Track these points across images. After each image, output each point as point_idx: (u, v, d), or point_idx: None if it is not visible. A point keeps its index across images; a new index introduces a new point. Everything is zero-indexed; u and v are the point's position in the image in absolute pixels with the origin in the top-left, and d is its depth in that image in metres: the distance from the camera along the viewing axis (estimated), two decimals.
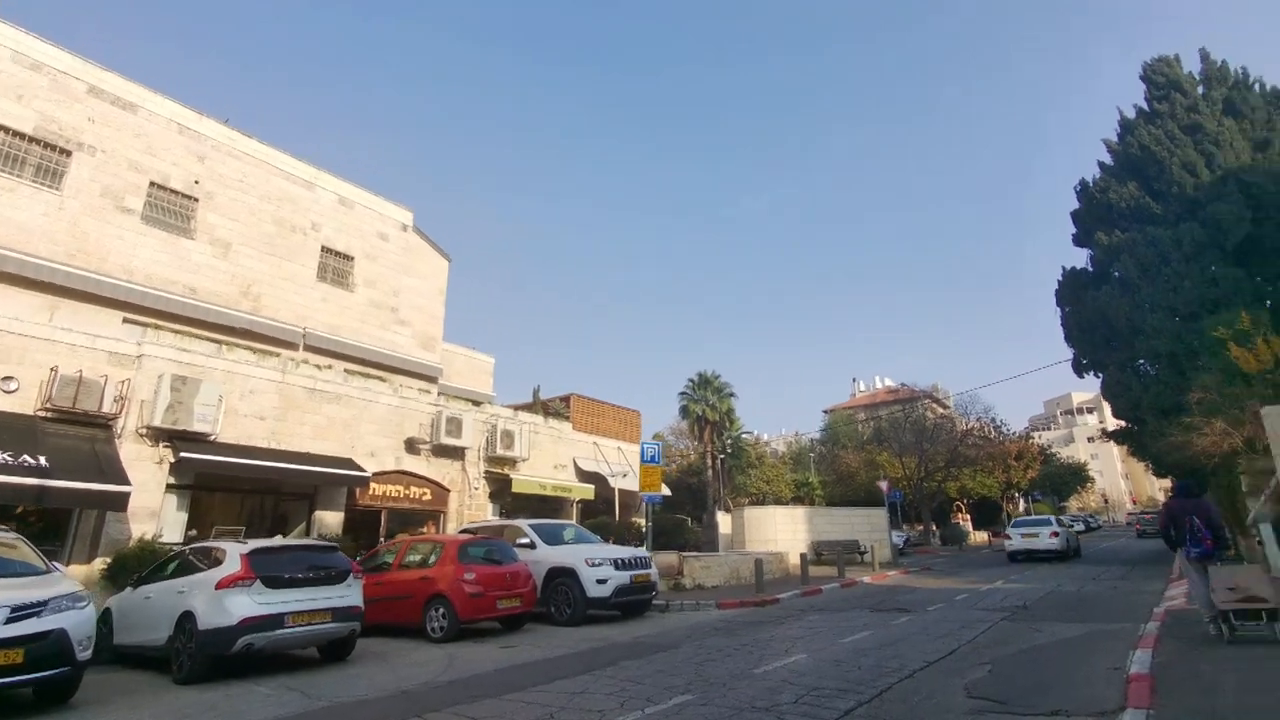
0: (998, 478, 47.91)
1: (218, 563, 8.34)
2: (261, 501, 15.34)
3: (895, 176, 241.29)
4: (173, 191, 15.94)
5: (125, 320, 14.36)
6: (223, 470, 13.49)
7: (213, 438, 13.66)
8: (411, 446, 17.76)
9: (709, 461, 45.61)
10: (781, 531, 25.25)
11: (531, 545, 12.98)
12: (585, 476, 22.52)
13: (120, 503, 11.32)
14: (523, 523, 13.95)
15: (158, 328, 14.28)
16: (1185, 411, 15.30)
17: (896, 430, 44.80)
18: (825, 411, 68.16)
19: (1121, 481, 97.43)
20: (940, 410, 58.69)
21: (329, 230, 19.09)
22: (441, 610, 10.52)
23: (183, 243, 15.89)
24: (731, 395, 47.19)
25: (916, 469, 42.09)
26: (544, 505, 21.82)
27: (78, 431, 12.01)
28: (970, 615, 11.32)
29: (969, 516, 51.65)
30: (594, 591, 11.93)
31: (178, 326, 14.96)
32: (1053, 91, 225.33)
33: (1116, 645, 7.76)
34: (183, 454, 12.78)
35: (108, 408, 12.34)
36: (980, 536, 48.82)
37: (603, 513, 22.20)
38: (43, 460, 10.76)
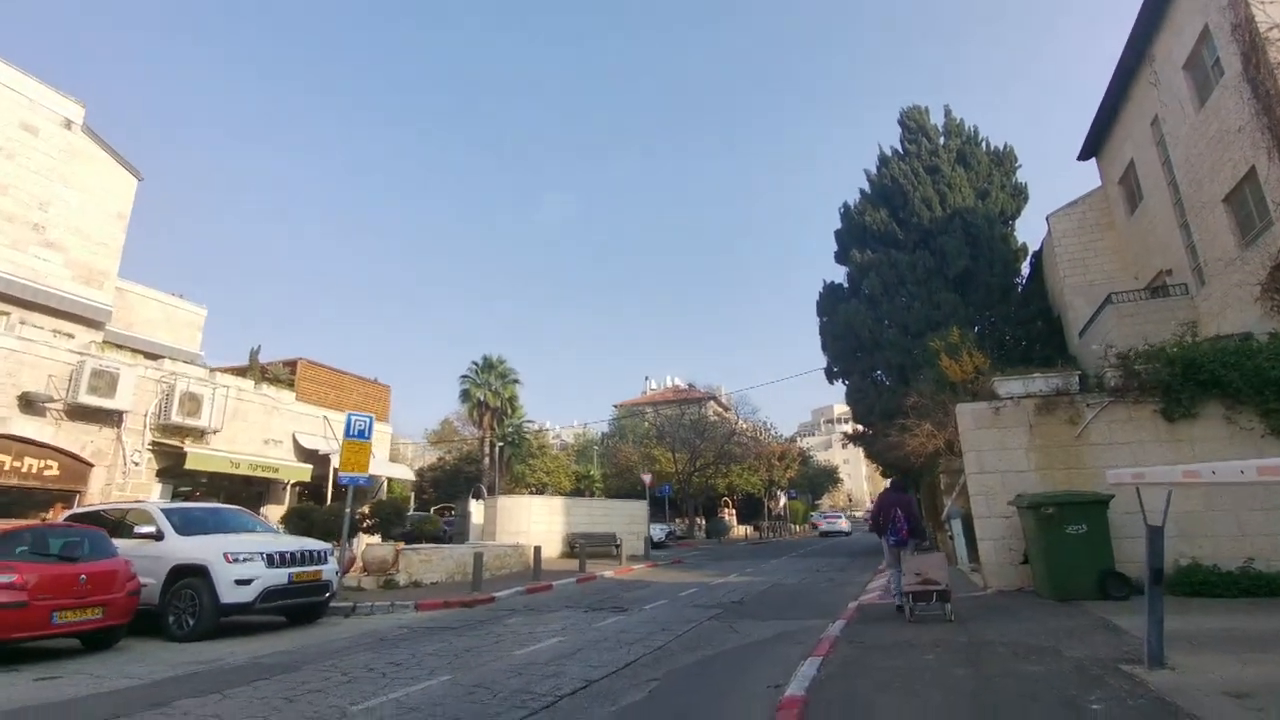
0: (762, 475, 51.19)
1: None
2: None
3: (687, 193, 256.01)
4: None
5: None
6: None
7: None
8: (30, 405, 13.29)
9: (486, 449, 43.22)
10: (537, 523, 23.73)
11: (158, 535, 9.86)
12: (306, 455, 19.06)
13: None
14: (152, 505, 10.68)
15: None
16: (904, 416, 16.24)
17: (674, 427, 45.84)
18: (615, 406, 68.72)
19: (865, 483, 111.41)
20: (722, 411, 61.82)
21: None
22: None
23: None
24: (516, 382, 45.22)
25: (687, 464, 43.28)
26: (247, 488, 18.06)
27: None
28: (682, 613, 10.45)
29: (734, 512, 54.73)
30: (230, 596, 9.20)
31: None
32: (828, 123, 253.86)
33: (794, 651, 6.99)
34: None
35: None
36: (742, 530, 51.84)
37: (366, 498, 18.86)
38: None
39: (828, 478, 74.54)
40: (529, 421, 48.80)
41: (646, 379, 78.62)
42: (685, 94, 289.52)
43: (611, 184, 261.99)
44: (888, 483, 11.49)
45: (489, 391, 43.43)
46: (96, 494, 14.26)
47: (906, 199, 23.94)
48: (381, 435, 21.90)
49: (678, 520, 44.91)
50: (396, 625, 10.07)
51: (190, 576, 9.34)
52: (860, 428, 27.44)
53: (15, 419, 13.06)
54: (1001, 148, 25.16)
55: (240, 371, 19.96)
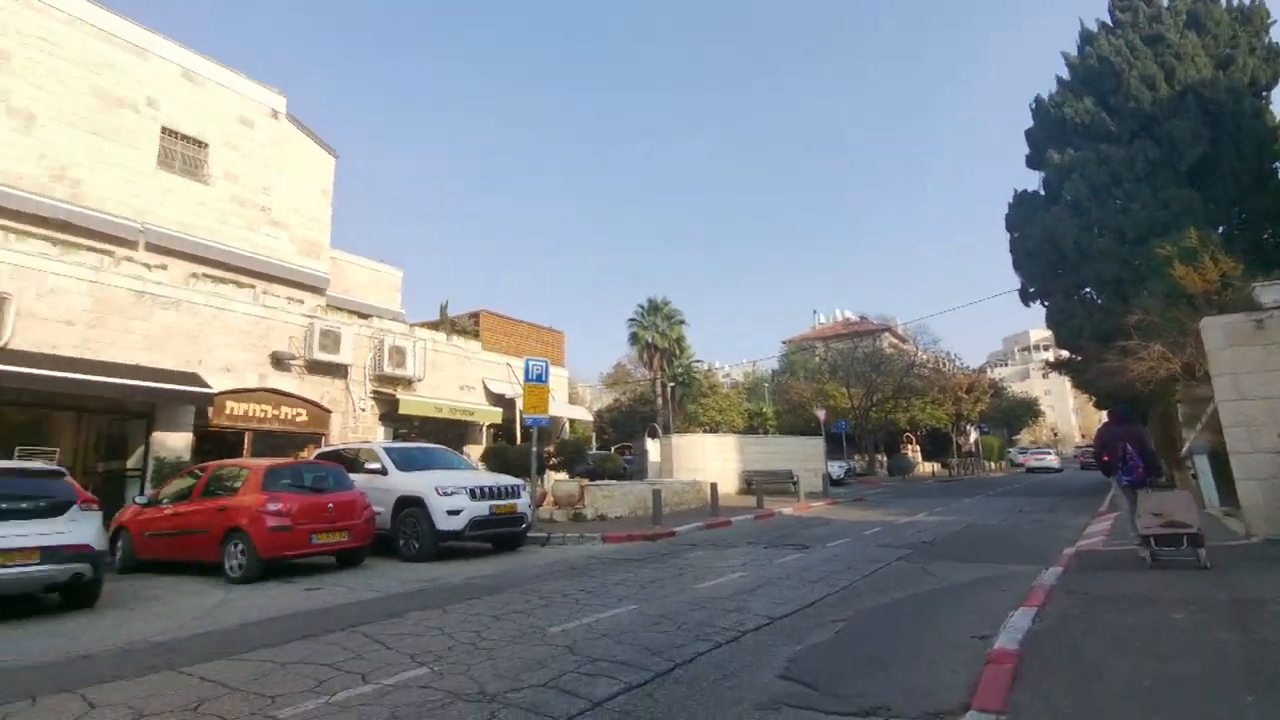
0: (948, 409, 47.61)
1: None
2: (83, 420, 13.30)
3: (851, 112, 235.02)
4: None
5: None
6: (16, 382, 11.34)
7: (3, 344, 11.45)
8: (279, 362, 15.69)
9: (658, 389, 44.45)
10: (712, 460, 24.07)
11: (383, 471, 11.30)
12: (495, 399, 20.79)
13: None
14: (376, 445, 12.22)
15: None
16: (1124, 337, 13.97)
17: (847, 361, 43.82)
18: (784, 342, 67.13)
19: (1072, 416, 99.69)
20: (899, 343, 58.01)
21: (172, 109, 16.26)
22: (240, 546, 8.83)
23: None
24: (682, 323, 45.68)
25: (863, 399, 41.33)
26: (450, 429, 20.15)
27: None
28: (867, 552, 10.03)
29: (919, 448, 51.67)
30: (444, 524, 10.35)
31: None
32: (1004, 9, 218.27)
33: (997, 599, 6.36)
34: None
35: None
36: (928, 468, 48.92)
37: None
38: None
39: (1026, 410, 67.52)
40: (697, 361, 49.33)
41: (815, 313, 75.76)
42: (844, 11, 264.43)
43: (777, 110, 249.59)
44: (1106, 415, 9.96)
45: (656, 333, 44.36)
46: (335, 436, 16.66)
47: (1119, 80, 19.90)
48: (558, 379, 23.23)
49: (856, 457, 43.39)
50: (585, 555, 10.74)
51: (412, 507, 10.62)
52: (1065, 354, 24.21)
53: (271, 374, 15.51)
54: (1248, 1, 19.96)
55: (433, 326, 22.04)
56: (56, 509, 6.91)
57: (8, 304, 11.57)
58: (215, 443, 14.56)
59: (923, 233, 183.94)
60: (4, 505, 6.59)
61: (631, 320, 44.76)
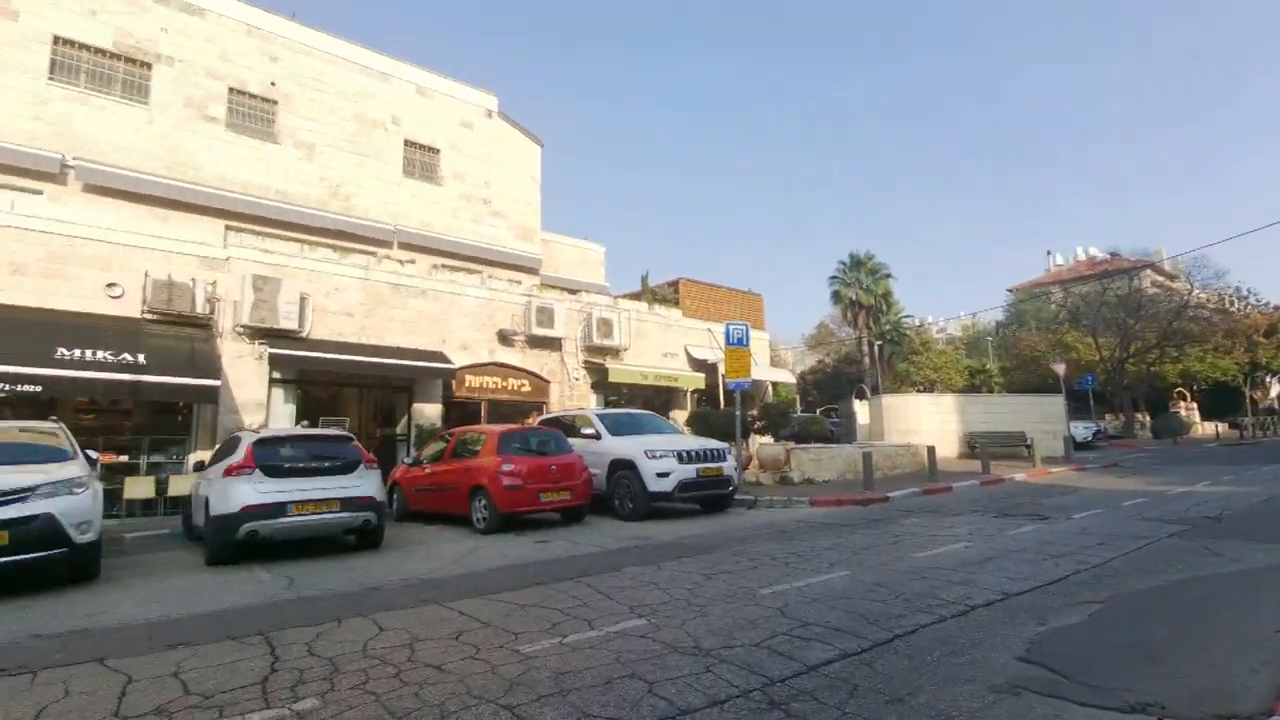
0: (1237, 358, 39.14)
1: (233, 452, 8.37)
2: (364, 394, 16.02)
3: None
4: (252, 96, 16.16)
5: (228, 228, 15.08)
6: (316, 365, 14.02)
7: (304, 334, 14.17)
8: (504, 338, 17.50)
9: (864, 349, 42.15)
10: (927, 421, 22.35)
11: (597, 436, 12.15)
12: (697, 365, 21.22)
13: (210, 395, 12.09)
14: (590, 412, 13.12)
15: (257, 233, 14.85)
16: None
17: (1093, 306, 37.76)
18: (1010, 290, 59.67)
19: None
20: (1166, 281, 48.61)
21: (411, 124, 18.63)
22: (484, 502, 10.10)
23: (268, 147, 16.22)
24: (888, 277, 42.71)
25: (1116, 350, 35.39)
26: (657, 395, 21.02)
27: (178, 332, 12.89)
28: (1127, 527, 8.67)
29: (1194, 405, 43.26)
30: (654, 486, 10.88)
31: (273, 231, 15.50)
32: None
33: None
34: (272, 350, 13.36)
35: (200, 309, 13.07)
36: (1209, 428, 40.71)
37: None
38: (141, 358, 11.62)
39: None
40: (907, 317, 45.87)
41: (1049, 254, 65.97)
42: None
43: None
44: None
45: (860, 290, 41.94)
46: (554, 404, 18.24)
47: None
48: (759, 342, 23.02)
49: (1108, 417, 37.53)
50: (793, 519, 10.64)
51: (624, 469, 11.30)
52: None
53: (498, 349, 17.38)
54: None
55: (635, 296, 22.98)
56: (349, 467, 8.46)
57: (307, 302, 14.26)
58: (459, 411, 16.74)
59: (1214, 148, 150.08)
60: (314, 464, 8.23)
61: (833, 278, 42.78)
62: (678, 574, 6.61)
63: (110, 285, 12.54)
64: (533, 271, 20.82)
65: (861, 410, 25.15)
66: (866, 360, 41.16)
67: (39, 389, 10.43)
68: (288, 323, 13.75)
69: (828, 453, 15.89)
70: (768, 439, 19.26)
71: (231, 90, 15.76)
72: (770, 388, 23.94)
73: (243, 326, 13.55)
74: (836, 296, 42.84)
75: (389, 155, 18.14)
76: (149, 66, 14.76)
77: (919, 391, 37.41)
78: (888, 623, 4.66)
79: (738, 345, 14.26)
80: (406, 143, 18.62)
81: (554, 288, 20.16)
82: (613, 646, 4.33)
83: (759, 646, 4.22)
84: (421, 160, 18.93)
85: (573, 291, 20.46)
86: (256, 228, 15.31)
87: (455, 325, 16.57)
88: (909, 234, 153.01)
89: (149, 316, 12.76)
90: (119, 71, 14.52)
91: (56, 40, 14.05)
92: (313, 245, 15.22)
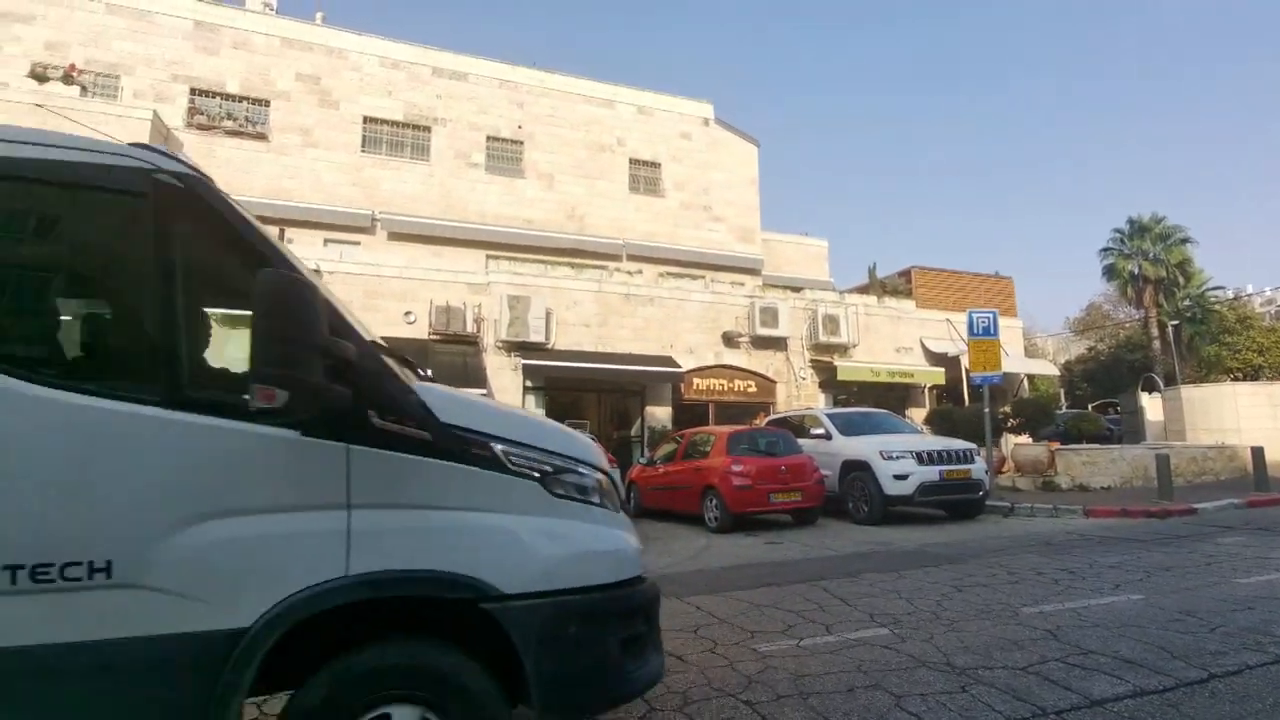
0: None
1: None
2: (601, 398, 17.40)
3: None
4: (503, 140, 18.54)
5: (487, 256, 17.48)
6: (560, 372, 15.60)
7: (549, 345, 15.84)
8: (729, 340, 17.79)
9: (1153, 331, 35.12)
10: (1250, 418, 17.97)
11: (827, 436, 11.81)
12: (935, 359, 19.54)
13: None
14: (819, 411, 12.80)
15: (510, 259, 17.01)
16: None
17: None
18: None
19: None
20: None
21: (633, 142, 19.84)
22: (715, 501, 10.38)
23: (516, 182, 18.44)
24: (1185, 241, 35.38)
25: None
26: (889, 393, 19.78)
27: (454, 349, 15.21)
28: None
29: None
30: (892, 489, 10.27)
31: (522, 255, 17.58)
32: None
33: None
34: (524, 361, 15.15)
35: (470, 328, 15.29)
36: None
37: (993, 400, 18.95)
38: (429, 373, 13.82)
39: None
40: (1215, 289, 37.19)
41: None
42: None
43: None
44: None
45: (1144, 261, 35.11)
46: (781, 404, 18.08)
47: None
48: (1010, 330, 20.49)
49: None
50: (1062, 530, 9.32)
51: (857, 471, 10.84)
52: None
53: (724, 352, 17.74)
54: None
55: (862, 290, 21.85)
56: None
57: (551, 316, 15.92)
58: (688, 413, 17.37)
59: None
60: None
61: (1105, 250, 36.39)
62: (923, 583, 6.18)
63: (407, 313, 15.22)
64: (754, 272, 20.87)
65: (1151, 405, 21.10)
66: (1156, 344, 34.29)
67: None
68: (536, 336, 15.48)
69: (1105, 455, 13.58)
70: (1025, 439, 17.06)
71: (489, 138, 18.30)
72: (1025, 381, 21.15)
73: (501, 341, 15.55)
74: (1111, 271, 36.41)
75: (615, 175, 19.55)
76: (429, 129, 17.76)
77: (1234, 379, 30.15)
78: (1199, 659, 3.89)
79: (984, 335, 12.87)
80: (631, 161, 19.91)
81: (776, 287, 19.99)
82: (852, 654, 4.21)
83: (1025, 671, 3.80)
84: (645, 175, 20.08)
85: (796, 290, 20.10)
86: (509, 254, 17.51)
87: (681, 330, 17.25)
88: (1215, 186, 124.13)
89: (433, 337, 15.24)
90: (408, 137, 17.69)
91: (365, 120, 17.54)
92: (554, 264, 16.95)
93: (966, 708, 3.32)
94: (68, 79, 15.84)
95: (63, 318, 2.42)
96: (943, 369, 19.20)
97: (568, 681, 2.36)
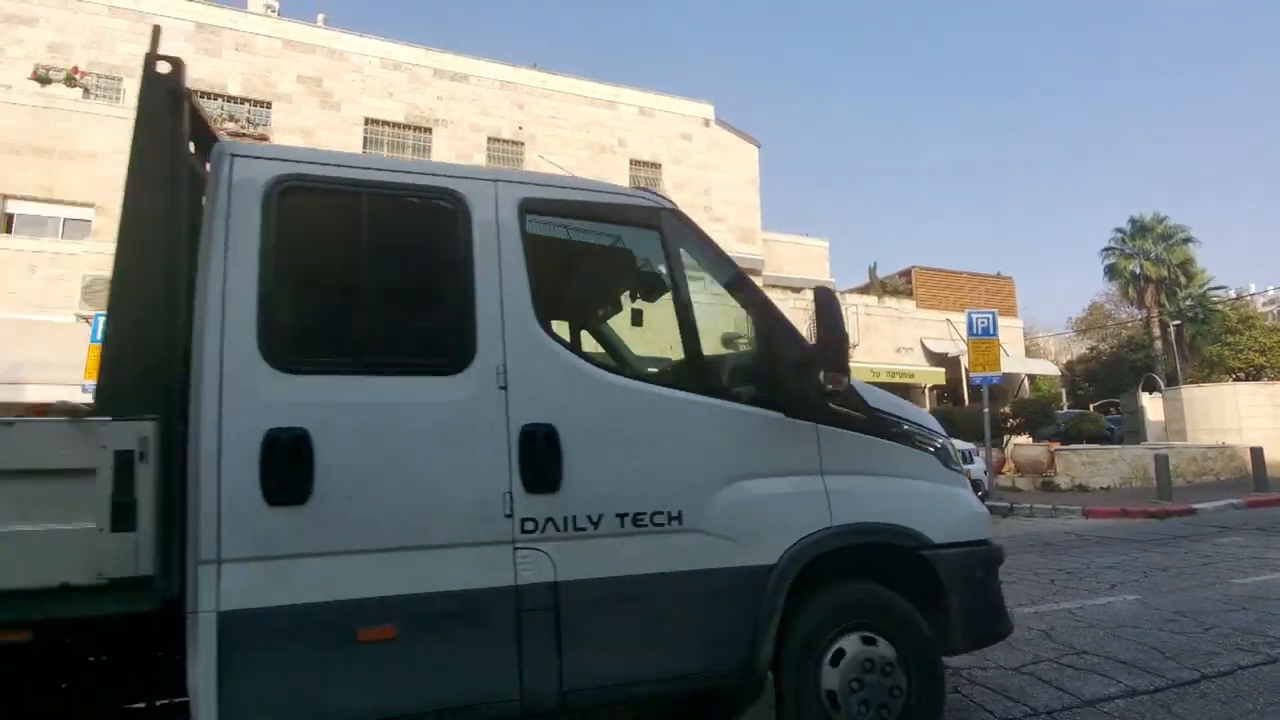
0: None
1: None
2: None
3: None
4: (504, 141, 18.55)
5: None
6: None
7: None
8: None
9: (1155, 330, 35.09)
10: (1251, 418, 17.99)
11: None
12: (935, 359, 19.59)
13: None
14: None
15: None
16: None
17: None
18: None
19: None
20: None
21: (634, 143, 19.85)
22: None
23: None
24: (1187, 241, 35.32)
25: None
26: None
27: None
28: None
29: None
30: None
31: None
32: None
33: None
34: None
35: None
36: None
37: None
38: None
39: None
40: (1217, 288, 37.12)
41: None
42: None
43: None
44: None
45: (1145, 261, 35.05)
46: None
47: None
48: (1010, 330, 20.56)
49: None
50: (1061, 530, 9.40)
51: None
52: None
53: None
54: None
55: (863, 290, 21.89)
56: None
57: None
58: None
59: None
60: None
61: (1107, 249, 36.37)
62: None
63: None
64: (755, 273, 20.84)
65: (1152, 405, 21.13)
66: (1158, 344, 34.28)
67: None
68: None
69: (1105, 455, 13.63)
70: (1025, 439, 17.10)
71: (490, 139, 18.32)
72: (1026, 381, 21.21)
73: None
74: (1112, 271, 36.43)
75: (616, 175, 19.54)
76: (430, 130, 17.79)
77: (1235, 379, 30.16)
78: (1192, 660, 3.95)
79: (984, 335, 12.91)
80: (631, 162, 19.93)
81: (777, 287, 20.03)
82: None
83: (1018, 671, 3.86)
84: (645, 176, 20.09)
85: (796, 290, 20.15)
86: None
87: None
88: (1217, 186, 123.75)
89: None
90: (410, 139, 17.72)
91: (367, 121, 17.57)
92: None
93: (958, 707, 3.38)
94: (70, 81, 15.92)
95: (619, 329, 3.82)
96: (943, 369, 19.26)
97: (977, 616, 2.98)
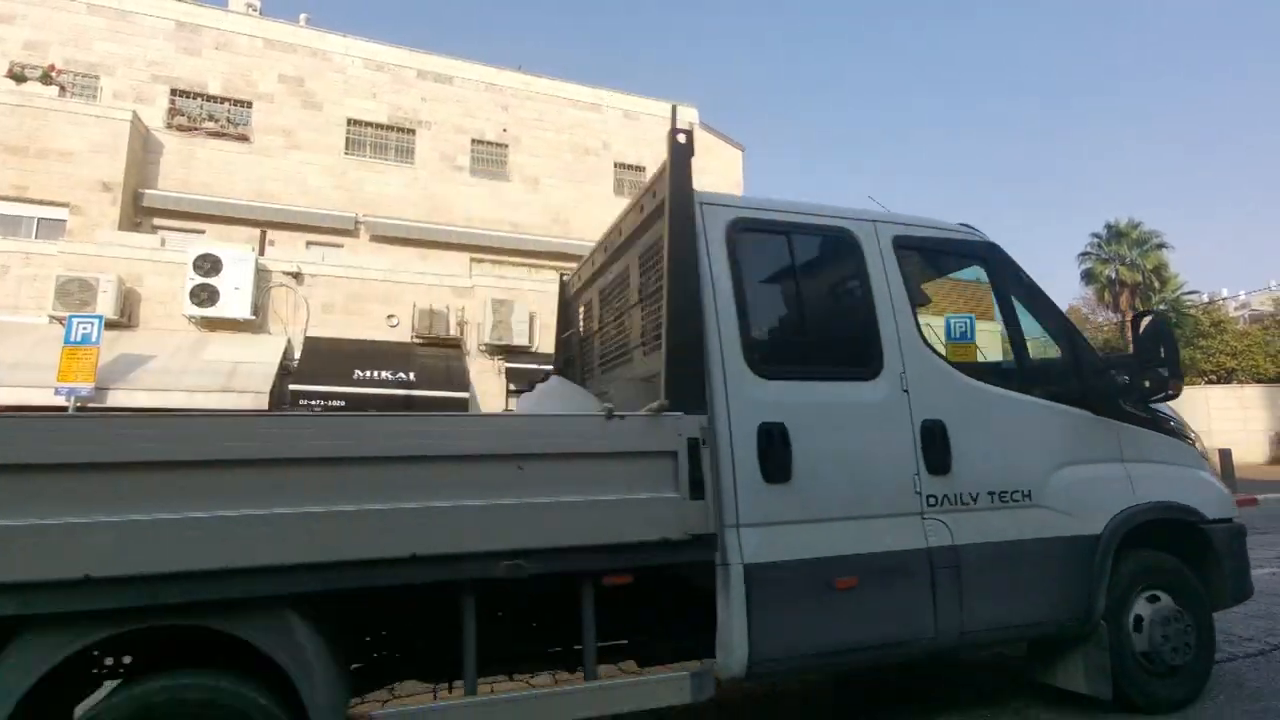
0: None
1: None
2: None
3: None
4: (488, 143, 18.56)
5: (472, 259, 17.52)
6: (541, 376, 15.65)
7: (533, 349, 15.87)
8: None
9: (1130, 335, 35.72)
10: (1218, 419, 18.48)
11: None
12: None
13: (462, 406, 14.08)
14: None
15: (494, 262, 17.06)
16: None
17: None
18: None
19: None
20: None
21: (619, 146, 19.94)
22: None
23: (501, 186, 18.48)
24: (1161, 247, 36.03)
25: None
26: None
27: (437, 352, 15.21)
28: None
29: None
30: None
31: (507, 258, 17.64)
32: None
33: None
34: (507, 364, 15.21)
35: (453, 331, 15.30)
36: None
37: None
38: (411, 376, 13.99)
39: None
40: (1190, 293, 37.89)
41: None
42: None
43: None
44: None
45: (1120, 266, 35.73)
46: None
47: None
48: (988, 335, 20.83)
49: None
50: None
51: None
52: None
53: None
54: None
55: None
56: None
57: (535, 320, 15.97)
58: None
59: None
60: None
61: (1083, 254, 37.05)
62: None
63: (390, 316, 15.22)
64: None
65: None
66: (1132, 348, 34.92)
67: (343, 403, 13.05)
68: (520, 339, 15.52)
69: None
70: None
71: (473, 141, 18.30)
72: None
73: (484, 344, 15.57)
74: (1089, 276, 37.13)
75: (601, 179, 19.65)
76: (413, 132, 17.74)
77: (1208, 382, 30.77)
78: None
79: (960, 341, 13.08)
80: (616, 165, 20.01)
81: None
82: None
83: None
84: (630, 179, 20.18)
85: None
86: (494, 257, 17.55)
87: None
88: (1193, 192, 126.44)
89: (416, 340, 15.25)
90: (392, 140, 17.67)
91: (349, 122, 17.49)
92: (538, 268, 17.03)
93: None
94: (46, 79, 15.70)
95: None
96: None
97: (1238, 579, 3.66)
